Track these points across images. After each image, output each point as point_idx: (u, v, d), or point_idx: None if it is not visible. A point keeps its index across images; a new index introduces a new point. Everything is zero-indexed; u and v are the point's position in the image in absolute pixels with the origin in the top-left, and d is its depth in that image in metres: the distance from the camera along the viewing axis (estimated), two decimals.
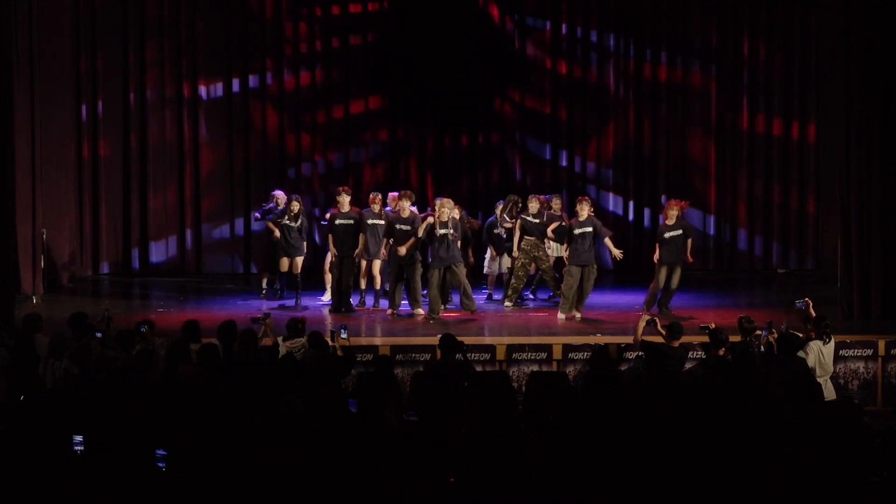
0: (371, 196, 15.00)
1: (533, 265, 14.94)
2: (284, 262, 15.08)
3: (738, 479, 7.02)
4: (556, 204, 15.27)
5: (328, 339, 10.91)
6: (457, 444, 7.69)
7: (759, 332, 10.84)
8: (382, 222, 14.53)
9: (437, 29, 17.92)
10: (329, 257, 14.72)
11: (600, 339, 12.48)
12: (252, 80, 18.07)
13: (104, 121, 17.66)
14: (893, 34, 13.58)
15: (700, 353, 11.43)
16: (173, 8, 17.75)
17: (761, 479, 6.99)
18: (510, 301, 14.93)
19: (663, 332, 10.95)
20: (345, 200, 14.48)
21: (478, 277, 15.50)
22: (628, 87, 18.30)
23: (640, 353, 11.31)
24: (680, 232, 14.04)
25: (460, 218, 14.55)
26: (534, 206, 14.86)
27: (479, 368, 11.65)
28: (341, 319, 13.36)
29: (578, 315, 13.97)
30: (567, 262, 14.10)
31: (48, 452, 7.36)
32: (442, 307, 14.22)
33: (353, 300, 14.69)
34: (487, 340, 12.71)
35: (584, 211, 14.07)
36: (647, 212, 18.43)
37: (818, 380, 10.35)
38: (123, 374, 9.67)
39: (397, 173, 18.30)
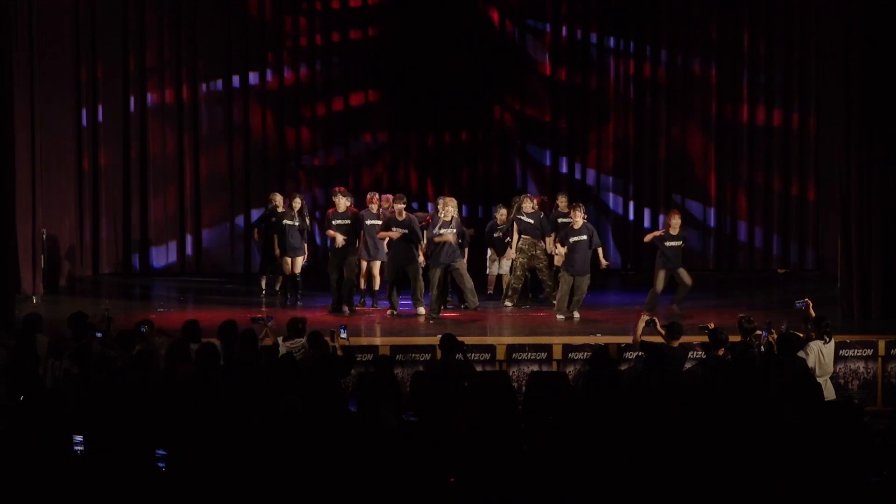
0: (368, 196, 15.00)
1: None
2: (286, 263, 15.07)
3: (738, 480, 7.02)
4: (562, 202, 15.31)
5: (328, 339, 10.90)
6: (457, 444, 7.69)
7: (759, 332, 10.84)
8: (380, 222, 14.55)
9: (437, 30, 17.91)
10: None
11: (600, 339, 12.48)
12: (251, 82, 18.06)
13: (104, 121, 17.65)
14: (893, 34, 13.58)
15: (700, 353, 11.43)
16: (173, 10, 17.75)
17: (761, 479, 6.99)
18: (510, 301, 14.94)
19: (663, 333, 10.95)
20: (340, 201, 14.49)
21: (478, 278, 15.48)
22: (628, 86, 18.28)
23: (639, 353, 11.31)
24: (680, 242, 14.13)
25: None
26: (527, 205, 14.87)
27: (479, 368, 11.65)
28: (341, 320, 13.36)
29: (577, 315, 13.98)
30: (561, 269, 14.14)
31: (48, 452, 7.36)
32: (441, 307, 14.23)
33: (354, 300, 14.72)
34: (487, 340, 12.71)
35: (579, 218, 14.06)
36: (647, 212, 18.42)
37: (818, 380, 10.35)
38: (123, 374, 9.66)
39: (397, 173, 18.30)
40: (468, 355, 11.23)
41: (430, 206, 17.44)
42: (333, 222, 14.42)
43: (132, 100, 17.74)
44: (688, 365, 11.03)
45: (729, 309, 14.13)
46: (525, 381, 11.78)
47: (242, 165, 18.15)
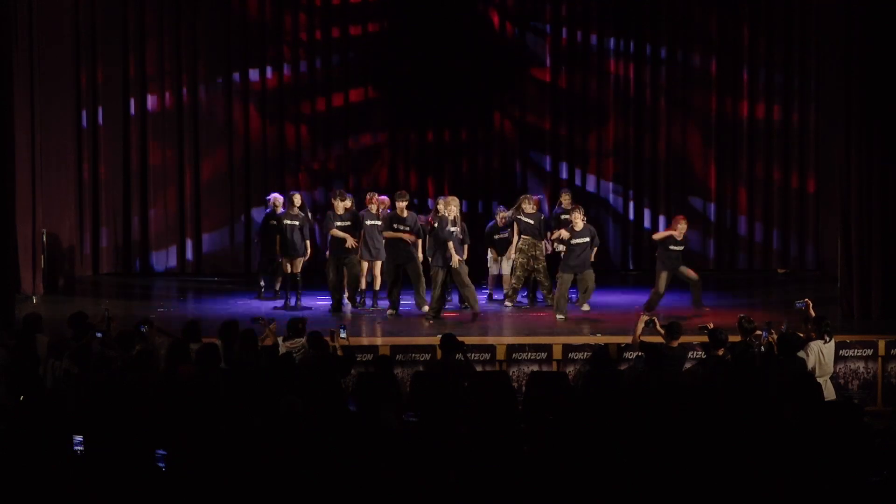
0: (368, 196, 14.99)
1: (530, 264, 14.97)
2: (286, 263, 15.07)
3: (738, 480, 7.02)
4: (566, 199, 15.33)
5: (328, 339, 10.90)
6: (457, 444, 7.69)
7: (759, 332, 10.83)
8: (380, 222, 14.56)
9: (437, 30, 17.91)
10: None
11: (600, 339, 12.48)
12: (251, 82, 18.06)
13: (104, 120, 17.65)
14: (893, 34, 13.58)
15: (700, 353, 11.42)
16: (173, 10, 17.74)
17: (761, 479, 6.99)
18: (510, 301, 14.94)
19: (662, 333, 10.95)
20: (338, 204, 14.51)
21: (478, 278, 15.49)
22: (628, 84, 18.27)
23: (639, 354, 11.31)
24: (683, 247, 14.17)
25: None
26: (528, 206, 14.88)
27: (479, 368, 11.65)
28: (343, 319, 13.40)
29: (587, 307, 13.98)
30: (560, 270, 14.16)
31: (48, 452, 7.36)
32: (441, 309, 14.23)
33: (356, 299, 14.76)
34: (487, 340, 12.71)
35: (579, 220, 14.09)
36: (647, 211, 18.42)
37: (818, 380, 10.34)
38: (123, 374, 9.66)
39: (396, 172, 18.30)
40: (468, 355, 11.23)
41: (430, 201, 17.46)
42: (336, 223, 14.42)
43: (132, 100, 17.73)
44: (687, 365, 11.03)
45: (729, 309, 14.13)
46: (525, 381, 11.78)
47: (242, 165, 18.14)
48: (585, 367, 11.54)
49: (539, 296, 15.21)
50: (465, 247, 14.61)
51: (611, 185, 18.43)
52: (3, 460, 7.23)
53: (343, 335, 11.16)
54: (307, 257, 15.12)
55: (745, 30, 18.03)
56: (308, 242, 15.16)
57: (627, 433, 7.78)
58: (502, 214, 15.30)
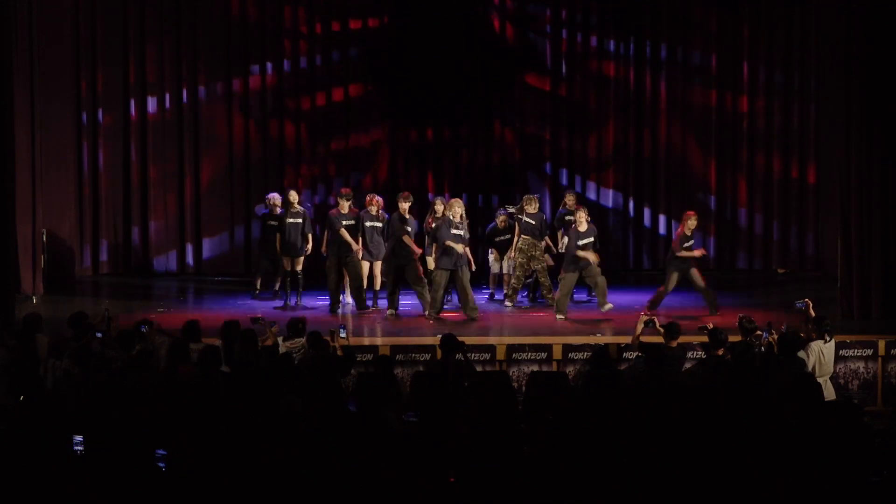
0: (368, 198, 14.98)
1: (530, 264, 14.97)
2: (287, 262, 15.07)
3: (738, 479, 7.02)
4: (570, 200, 15.34)
5: (328, 339, 10.91)
6: (457, 444, 7.69)
7: (759, 332, 10.83)
8: (380, 224, 14.57)
9: (437, 32, 17.89)
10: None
11: (600, 339, 12.48)
12: (252, 82, 18.05)
13: (104, 120, 17.62)
14: (893, 34, 13.58)
15: (700, 353, 11.43)
16: (173, 11, 17.73)
17: (761, 479, 6.99)
18: (510, 301, 14.95)
19: (662, 332, 10.95)
20: (344, 204, 14.50)
21: (478, 277, 15.51)
22: (628, 87, 18.26)
23: (639, 354, 11.31)
24: (693, 242, 14.16)
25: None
26: (530, 206, 14.89)
27: (479, 368, 11.65)
28: (345, 318, 13.41)
29: (609, 306, 13.96)
30: (563, 270, 14.17)
31: (48, 452, 7.36)
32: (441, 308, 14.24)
33: (353, 301, 14.74)
34: (487, 340, 12.71)
35: (583, 220, 14.11)
36: (647, 210, 18.42)
37: (818, 380, 10.34)
38: (123, 374, 9.66)
39: (396, 174, 18.29)
40: (468, 355, 11.23)
41: (430, 195, 17.49)
42: (343, 223, 14.41)
43: (132, 100, 17.71)
44: (687, 365, 11.03)
45: (729, 309, 14.12)
46: (525, 381, 11.78)
47: (243, 165, 18.13)
48: (585, 367, 11.55)
49: (535, 294, 15.23)
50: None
51: (611, 181, 18.43)
52: (3, 460, 7.23)
53: (343, 335, 11.17)
54: (309, 252, 15.12)
55: (745, 30, 18.02)
56: (310, 235, 15.15)
57: (627, 433, 7.78)
58: (503, 217, 15.31)
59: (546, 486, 7.05)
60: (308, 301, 14.99)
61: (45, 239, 15.66)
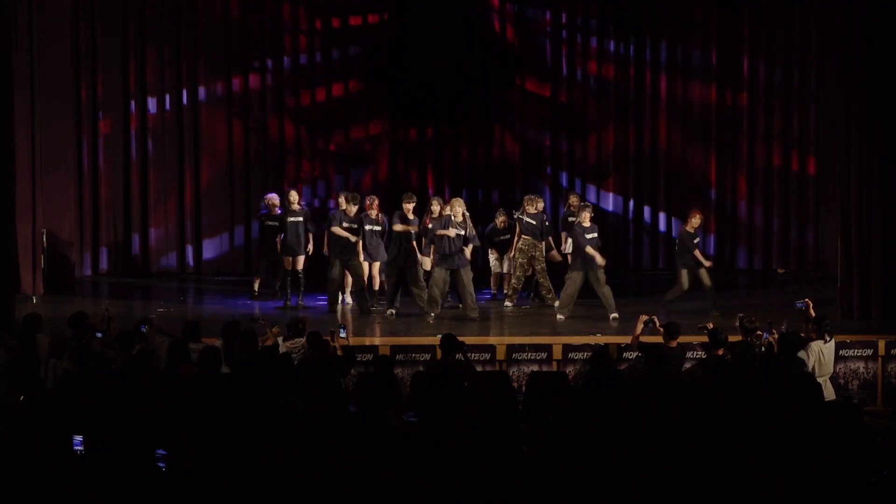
0: (367, 202, 14.95)
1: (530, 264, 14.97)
2: (287, 262, 15.07)
3: (738, 480, 7.02)
4: (574, 200, 15.35)
5: (328, 339, 10.91)
6: (457, 444, 7.69)
7: (759, 332, 10.83)
8: (379, 228, 14.60)
9: (437, 31, 17.89)
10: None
11: (600, 339, 12.48)
12: (252, 82, 18.05)
13: (104, 120, 17.65)
14: (893, 34, 13.58)
15: (700, 353, 11.43)
16: (173, 11, 17.73)
17: (761, 479, 6.99)
18: (510, 301, 14.95)
19: (661, 332, 10.95)
20: (350, 208, 14.49)
21: (479, 278, 15.52)
22: (628, 87, 18.28)
23: (639, 354, 11.31)
24: (698, 239, 14.21)
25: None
26: (531, 207, 14.90)
27: (479, 368, 11.65)
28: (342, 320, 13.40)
29: (615, 315, 13.88)
30: (572, 269, 14.18)
31: (48, 452, 7.36)
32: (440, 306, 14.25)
33: (353, 301, 14.75)
34: (487, 340, 12.71)
35: (587, 218, 14.11)
36: (647, 210, 18.43)
37: (818, 380, 10.34)
38: (123, 374, 9.66)
39: (397, 176, 18.29)
40: (468, 355, 11.23)
41: (430, 193, 17.51)
42: (344, 224, 14.42)
43: (132, 100, 17.72)
44: (687, 365, 11.03)
45: (729, 309, 14.11)
46: (525, 381, 11.77)
47: (243, 165, 18.14)
48: (585, 367, 11.55)
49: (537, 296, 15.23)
50: (470, 247, 14.52)
51: (611, 184, 18.45)
52: (3, 460, 7.23)
53: (343, 335, 11.17)
54: (311, 252, 15.11)
55: (745, 30, 18.03)
56: (311, 235, 15.15)
57: (627, 433, 7.78)
58: (502, 218, 15.31)
59: (546, 486, 7.05)
60: (308, 301, 14.99)
61: (45, 239, 15.66)
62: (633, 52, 18.22)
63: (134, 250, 17.98)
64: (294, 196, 15.16)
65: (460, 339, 10.98)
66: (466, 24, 18.06)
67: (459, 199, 14.49)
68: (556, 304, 14.80)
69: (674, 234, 17.31)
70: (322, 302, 14.89)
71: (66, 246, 16.93)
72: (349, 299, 14.91)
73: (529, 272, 15.00)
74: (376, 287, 14.93)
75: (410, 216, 14.20)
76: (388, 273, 14.43)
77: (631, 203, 18.45)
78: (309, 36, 18.13)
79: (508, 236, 15.20)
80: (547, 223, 15.10)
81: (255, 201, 17.78)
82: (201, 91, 17.93)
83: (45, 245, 15.68)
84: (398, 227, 14.13)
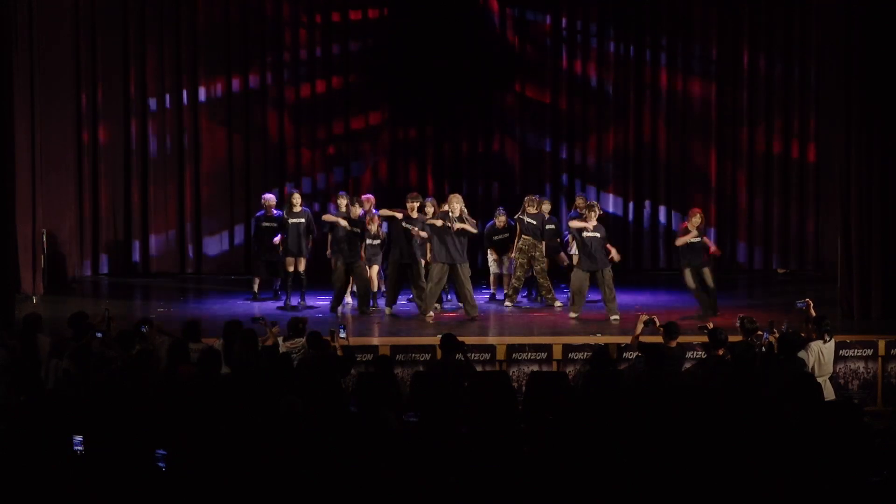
0: (367, 218, 14.93)
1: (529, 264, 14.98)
2: (289, 263, 15.06)
3: (738, 480, 7.02)
4: (581, 202, 15.37)
5: (328, 339, 10.91)
6: (457, 444, 7.69)
7: (760, 332, 10.83)
8: (378, 241, 14.69)
9: (437, 29, 17.90)
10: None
11: (600, 339, 12.48)
12: (252, 81, 18.04)
13: (104, 121, 17.65)
14: (893, 35, 13.58)
15: (700, 353, 11.43)
16: (173, 7, 17.74)
17: (761, 479, 6.99)
18: (510, 301, 14.95)
19: (661, 332, 10.95)
20: (354, 210, 14.47)
21: (479, 278, 15.51)
22: (628, 89, 18.27)
23: (639, 354, 11.31)
24: (699, 239, 14.20)
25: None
26: (531, 207, 14.91)
27: (479, 368, 11.64)
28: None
29: (617, 317, 13.88)
30: (575, 267, 14.22)
31: (48, 452, 7.36)
32: (437, 307, 14.23)
33: (353, 301, 14.74)
34: (487, 340, 12.71)
35: (593, 218, 14.13)
36: (646, 212, 18.42)
37: (818, 380, 10.34)
38: (123, 374, 9.66)
39: (397, 175, 18.29)
40: (468, 355, 11.23)
41: (429, 187, 17.51)
42: (342, 223, 14.41)
43: (132, 100, 17.72)
44: (687, 365, 11.03)
45: (729, 309, 14.11)
46: (525, 381, 11.77)
47: (243, 165, 18.14)
48: (585, 367, 11.54)
49: (537, 296, 15.23)
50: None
51: (610, 182, 18.45)
52: (3, 460, 7.24)
53: (343, 335, 11.17)
54: (311, 246, 15.12)
55: (745, 30, 18.02)
56: (311, 238, 15.17)
57: (627, 433, 7.78)
58: (502, 217, 15.32)
59: (546, 486, 7.05)
60: (309, 301, 14.99)
61: (45, 239, 15.66)
62: (634, 53, 18.21)
63: (134, 250, 17.98)
64: (297, 198, 15.17)
65: (460, 339, 10.98)
66: (466, 24, 18.06)
67: (458, 195, 14.45)
68: (557, 304, 14.83)
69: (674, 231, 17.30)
70: (322, 302, 14.87)
71: (66, 246, 16.94)
72: (348, 299, 14.90)
73: (529, 272, 15.00)
74: (375, 288, 14.92)
75: (414, 216, 14.18)
76: (389, 272, 14.42)
77: (631, 204, 18.44)
78: (309, 30, 18.12)
79: (507, 235, 15.21)
80: (551, 226, 15.07)
81: (255, 201, 17.79)
82: (201, 91, 17.92)
83: (45, 245, 15.68)
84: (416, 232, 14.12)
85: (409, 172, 18.33)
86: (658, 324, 11.11)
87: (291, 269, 15.00)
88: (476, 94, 18.16)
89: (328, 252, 14.89)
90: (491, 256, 15.54)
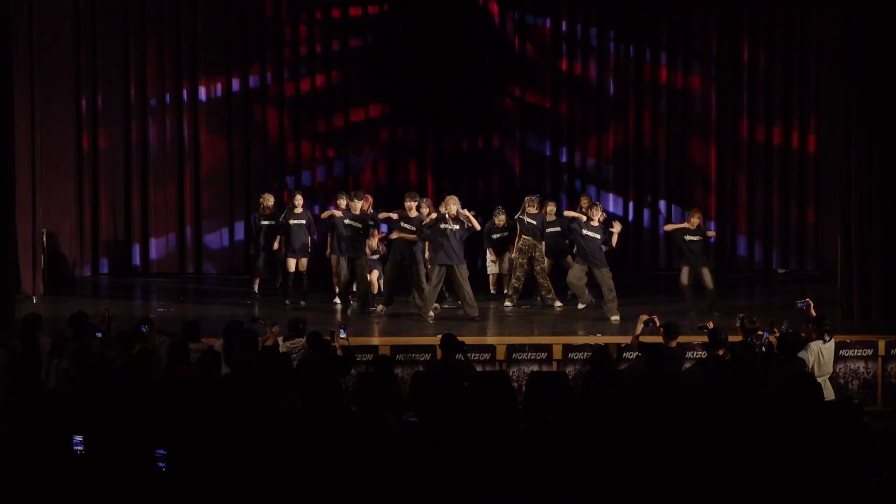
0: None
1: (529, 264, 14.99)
2: (291, 263, 15.06)
3: (738, 480, 7.02)
4: (585, 202, 15.39)
5: (328, 339, 10.90)
6: (457, 444, 7.69)
7: (760, 332, 10.82)
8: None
9: (437, 29, 17.91)
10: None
11: (600, 339, 12.48)
12: (252, 81, 18.06)
13: (104, 121, 17.66)
14: (893, 35, 13.58)
15: (700, 353, 11.42)
16: (173, 7, 17.75)
17: (761, 479, 6.99)
18: (510, 301, 14.95)
19: (661, 332, 10.95)
20: (356, 205, 14.47)
21: (478, 278, 15.50)
22: (628, 89, 18.30)
23: (639, 354, 11.31)
24: (699, 238, 14.22)
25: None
26: (531, 207, 14.91)
27: (479, 368, 11.64)
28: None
29: (616, 317, 13.90)
30: (576, 260, 14.27)
31: (48, 452, 7.36)
32: (437, 307, 14.23)
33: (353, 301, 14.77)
34: (487, 340, 12.71)
35: (596, 217, 14.15)
36: (646, 212, 18.43)
37: (818, 380, 10.34)
38: (123, 374, 9.66)
39: (397, 174, 18.30)
40: (468, 355, 11.23)
41: (429, 186, 17.53)
42: (346, 221, 14.43)
43: (132, 100, 17.73)
44: (687, 365, 11.03)
45: (729, 309, 14.11)
46: (525, 381, 11.77)
47: (243, 165, 18.15)
48: (585, 367, 11.55)
49: (538, 296, 15.23)
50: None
51: (610, 182, 18.46)
52: (3, 460, 7.23)
53: (343, 335, 11.17)
54: (311, 245, 15.12)
55: (745, 30, 18.04)
56: (311, 239, 15.17)
57: (627, 433, 7.78)
58: (501, 216, 15.32)
59: (546, 486, 7.05)
60: (309, 301, 14.99)
61: (45, 239, 15.67)
62: (633, 52, 18.22)
63: (134, 250, 17.99)
64: (299, 199, 15.18)
65: (460, 339, 10.97)
66: (466, 25, 18.06)
67: (454, 196, 14.44)
68: (557, 304, 14.83)
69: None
70: (322, 301, 14.87)
71: (66, 246, 16.94)
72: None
73: (529, 272, 15.00)
74: (375, 291, 14.92)
75: (412, 214, 14.18)
76: (388, 271, 14.41)
77: (631, 204, 18.45)
78: (309, 27, 18.12)
79: (506, 234, 15.21)
80: (556, 228, 15.07)
81: (255, 200, 17.80)
82: (202, 90, 17.93)
83: (45, 245, 15.68)
84: (395, 235, 14.13)
85: (408, 171, 18.33)
86: (658, 324, 11.10)
87: (293, 269, 15.01)
88: (476, 95, 18.16)
89: (328, 252, 14.89)
90: (489, 257, 15.54)
